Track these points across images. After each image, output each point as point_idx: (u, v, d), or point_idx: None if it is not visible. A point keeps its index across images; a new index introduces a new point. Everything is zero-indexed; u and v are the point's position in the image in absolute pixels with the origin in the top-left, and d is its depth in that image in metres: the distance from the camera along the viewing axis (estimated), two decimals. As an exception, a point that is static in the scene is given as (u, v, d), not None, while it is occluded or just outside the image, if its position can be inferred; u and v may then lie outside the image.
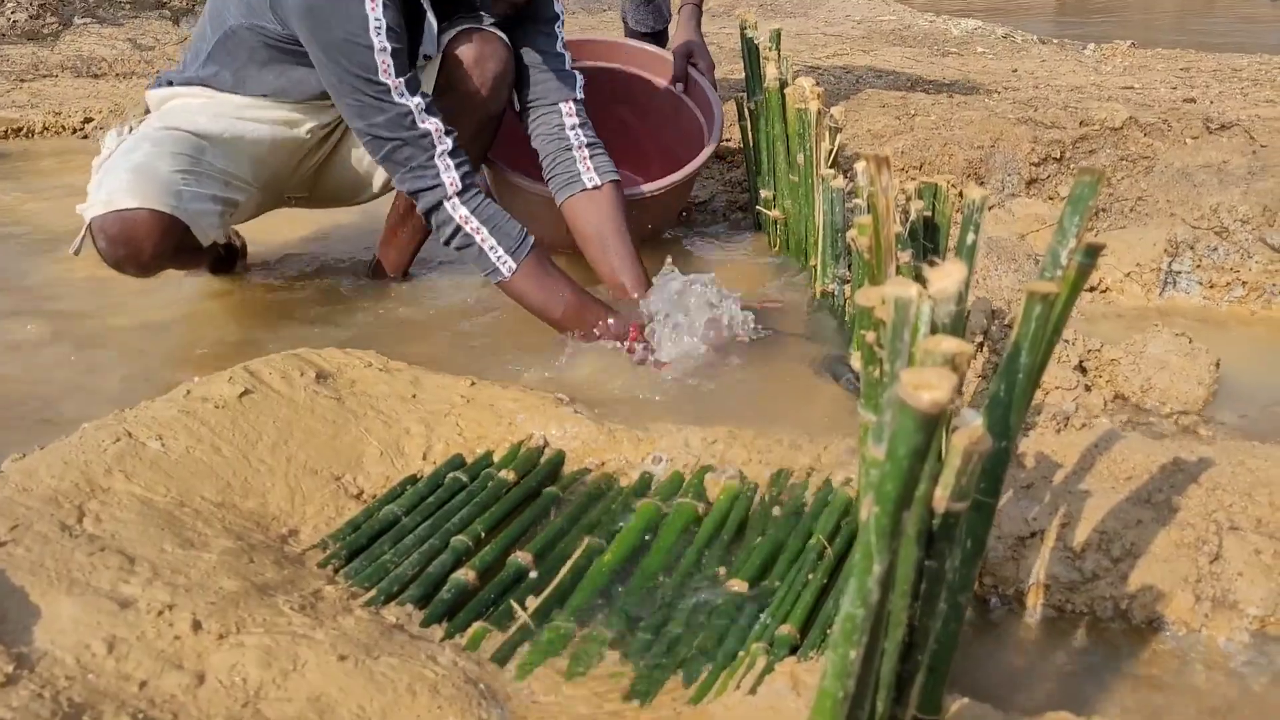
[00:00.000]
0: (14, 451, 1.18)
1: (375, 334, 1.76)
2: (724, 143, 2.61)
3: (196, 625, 0.92)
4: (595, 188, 1.80)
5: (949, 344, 0.49)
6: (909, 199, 1.21)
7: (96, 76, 4.10)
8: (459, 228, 1.65)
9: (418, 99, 1.61)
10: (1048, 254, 0.65)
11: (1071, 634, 1.05)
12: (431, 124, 1.62)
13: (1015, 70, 3.41)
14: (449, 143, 1.64)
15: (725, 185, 2.45)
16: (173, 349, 1.76)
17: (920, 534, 0.61)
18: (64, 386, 1.60)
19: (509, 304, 1.87)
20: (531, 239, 1.67)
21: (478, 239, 1.65)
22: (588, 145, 1.81)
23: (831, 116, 1.60)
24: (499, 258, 1.65)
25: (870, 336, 0.78)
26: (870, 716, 0.62)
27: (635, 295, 1.73)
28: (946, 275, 0.55)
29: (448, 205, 1.64)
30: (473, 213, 1.65)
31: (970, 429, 0.61)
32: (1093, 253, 0.70)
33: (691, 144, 2.12)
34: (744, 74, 2.18)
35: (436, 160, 1.62)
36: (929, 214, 1.20)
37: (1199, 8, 7.97)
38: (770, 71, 1.82)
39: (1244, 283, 1.82)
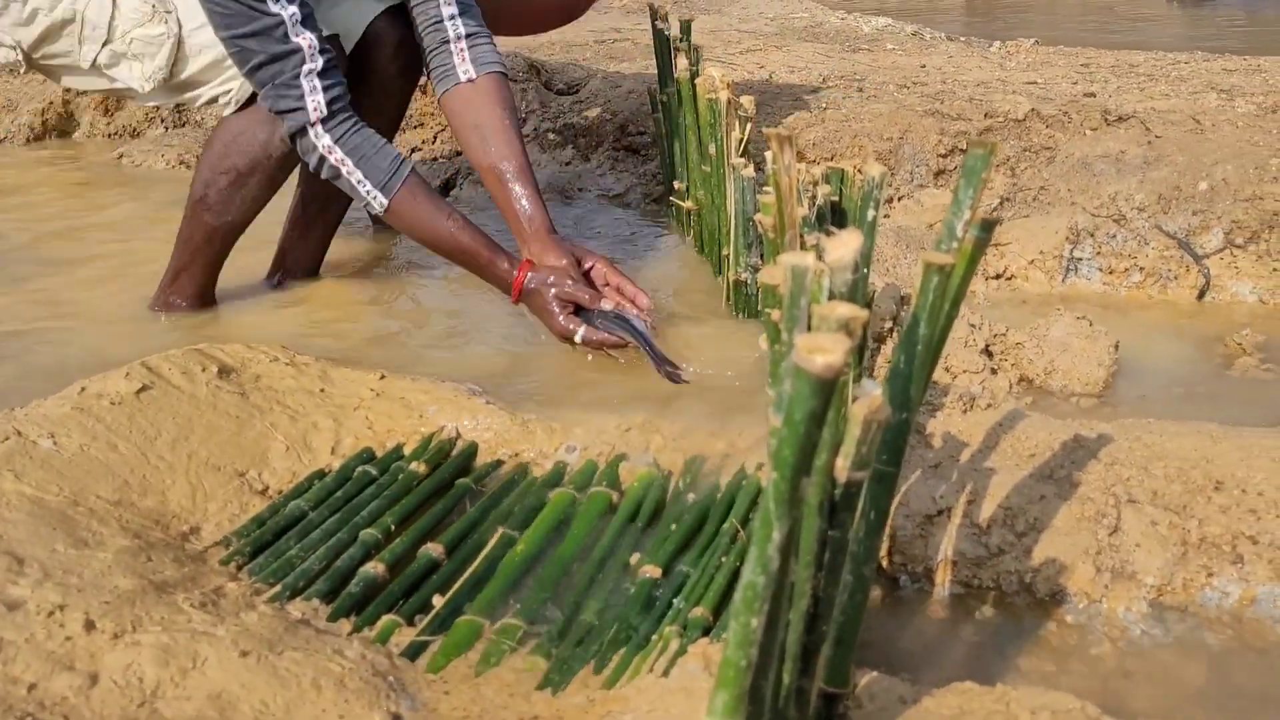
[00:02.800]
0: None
1: (281, 329, 1.72)
2: (638, 135, 2.62)
3: (89, 625, 0.89)
4: (470, 80, 1.69)
5: (843, 309, 0.50)
6: (816, 184, 1.22)
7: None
8: (323, 158, 1.55)
9: (294, 9, 1.50)
10: (944, 226, 0.66)
11: (978, 608, 1.07)
12: (305, 39, 1.52)
13: (924, 66, 3.47)
14: (320, 61, 1.53)
15: (639, 178, 2.45)
16: (61, 352, 1.69)
17: (822, 504, 0.61)
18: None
19: (421, 295, 1.85)
20: (406, 169, 1.57)
21: (344, 170, 1.56)
22: (466, 36, 1.69)
23: (741, 106, 1.61)
24: (368, 191, 1.56)
25: (775, 314, 0.78)
26: (776, 688, 0.62)
27: (526, 210, 1.65)
28: (843, 244, 0.55)
29: (311, 132, 1.55)
30: (336, 142, 1.55)
31: (869, 398, 0.61)
32: (988, 227, 0.71)
33: None
34: (656, 66, 2.18)
35: (303, 80, 1.52)
36: (836, 198, 1.21)
37: (1100, 7, 8.21)
38: (681, 63, 1.82)
39: (1141, 269, 1.88)
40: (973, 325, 1.62)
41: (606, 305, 1.55)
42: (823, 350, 0.47)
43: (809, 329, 0.57)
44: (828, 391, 0.49)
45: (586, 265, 1.62)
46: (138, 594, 0.94)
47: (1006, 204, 2.08)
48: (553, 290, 1.56)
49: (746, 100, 1.61)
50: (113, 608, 0.91)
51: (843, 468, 0.60)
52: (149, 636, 0.88)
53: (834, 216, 1.26)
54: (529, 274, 1.58)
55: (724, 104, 1.61)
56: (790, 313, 0.54)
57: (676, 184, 2.02)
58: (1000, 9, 8.58)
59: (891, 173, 2.22)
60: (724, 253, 1.72)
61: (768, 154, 1.49)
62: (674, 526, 1.16)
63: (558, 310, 1.55)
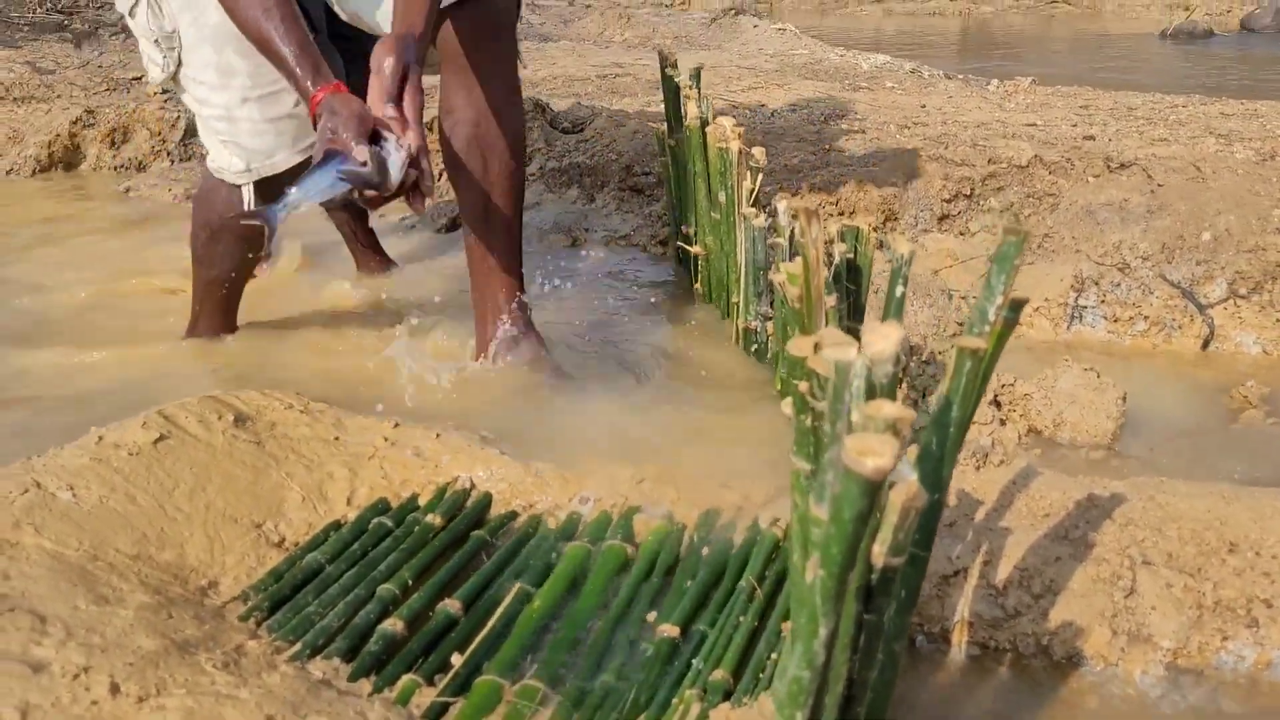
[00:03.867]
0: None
1: (292, 372, 1.73)
2: (643, 176, 2.64)
3: (115, 688, 0.89)
4: None
5: (889, 409, 0.51)
6: (831, 242, 1.23)
7: (-7, 100, 3.96)
8: None
9: None
10: (975, 310, 0.67)
11: (995, 670, 1.07)
12: None
13: (924, 106, 3.50)
14: None
15: (645, 219, 2.47)
16: (78, 393, 1.69)
17: (859, 590, 0.62)
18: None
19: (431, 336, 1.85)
20: None
21: None
22: None
23: (753, 156, 1.62)
24: None
25: (803, 386, 0.79)
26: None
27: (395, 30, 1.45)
28: (884, 337, 0.56)
29: None
30: None
31: (906, 484, 0.62)
32: (1018, 307, 0.72)
33: None
34: (664, 110, 2.20)
35: None
36: (851, 256, 1.23)
37: (1093, 42, 8.31)
38: (691, 110, 1.84)
39: (1146, 317, 1.89)
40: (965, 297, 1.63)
41: (360, 152, 1.34)
42: (873, 453, 0.48)
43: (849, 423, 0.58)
44: (875, 492, 0.50)
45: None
46: (160, 654, 0.94)
47: (1011, 250, 2.10)
48: (325, 129, 1.37)
49: (758, 151, 1.63)
50: (137, 669, 0.91)
51: (880, 554, 0.61)
52: (174, 700, 0.88)
53: (849, 274, 1.28)
54: (321, 102, 1.40)
55: (735, 154, 1.62)
56: (834, 407, 0.55)
57: (685, 228, 2.03)
58: (994, 44, 8.69)
59: (895, 217, 2.24)
60: (733, 299, 1.73)
61: (779, 204, 1.51)
62: (689, 583, 1.16)
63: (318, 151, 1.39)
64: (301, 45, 1.44)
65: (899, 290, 0.76)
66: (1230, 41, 7.66)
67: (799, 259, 0.78)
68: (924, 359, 1.60)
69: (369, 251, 2.20)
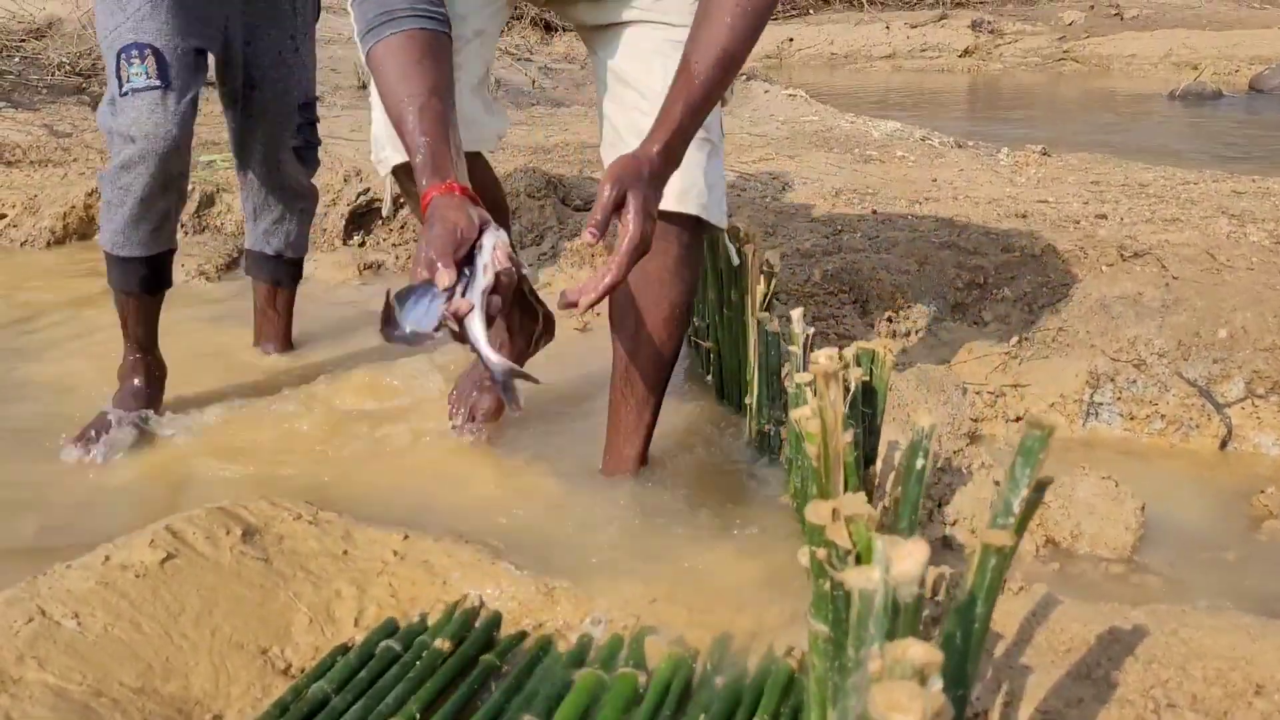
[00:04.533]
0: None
1: (300, 465, 1.71)
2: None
3: None
4: None
5: (917, 651, 0.49)
6: (846, 365, 1.22)
7: (10, 164, 3.98)
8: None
9: None
10: (999, 502, 0.65)
11: (1018, 819, 1.04)
12: None
13: (935, 180, 3.51)
14: None
15: (657, 303, 2.46)
16: (92, 492, 1.68)
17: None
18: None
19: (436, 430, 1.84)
20: (393, 26, 1.33)
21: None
22: None
23: (767, 262, 1.62)
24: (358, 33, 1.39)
25: (821, 554, 0.78)
26: None
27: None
28: (908, 556, 0.55)
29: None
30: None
31: (931, 696, 0.60)
32: (1041, 487, 0.71)
33: None
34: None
35: None
36: (867, 379, 1.22)
37: (1100, 103, 8.35)
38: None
39: (1163, 415, 1.87)
40: (996, 483, 1.61)
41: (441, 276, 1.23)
42: (900, 709, 0.47)
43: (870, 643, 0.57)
44: (902, 741, 0.48)
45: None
46: (162, 808, 0.92)
47: (1025, 343, 2.09)
48: (422, 244, 1.26)
49: (772, 255, 1.62)
50: (137, 828, 0.89)
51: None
52: None
53: (865, 398, 1.27)
54: (430, 204, 1.28)
55: (750, 260, 1.62)
56: (858, 634, 0.53)
57: (696, 321, 2.02)
58: (1002, 101, 8.74)
59: (908, 305, 2.23)
60: (746, 400, 1.72)
61: (794, 314, 1.50)
62: (703, 717, 1.14)
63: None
64: (430, 136, 1.30)
65: (919, 463, 0.75)
66: (1239, 103, 7.69)
67: (816, 420, 0.77)
68: (939, 466, 1.59)
69: (274, 327, 2.21)
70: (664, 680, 1.20)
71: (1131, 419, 1.89)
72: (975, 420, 1.89)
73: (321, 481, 1.67)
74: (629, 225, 1.25)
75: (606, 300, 1.37)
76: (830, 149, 4.30)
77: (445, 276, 1.21)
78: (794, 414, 0.92)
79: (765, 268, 1.62)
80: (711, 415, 1.88)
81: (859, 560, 0.78)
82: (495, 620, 1.32)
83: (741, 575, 1.38)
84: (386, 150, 1.55)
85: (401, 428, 1.84)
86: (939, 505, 1.54)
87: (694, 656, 1.25)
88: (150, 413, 1.85)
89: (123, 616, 1.18)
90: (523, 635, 1.31)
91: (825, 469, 0.84)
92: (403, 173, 1.54)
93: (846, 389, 1.18)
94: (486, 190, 1.56)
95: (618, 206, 1.25)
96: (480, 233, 1.25)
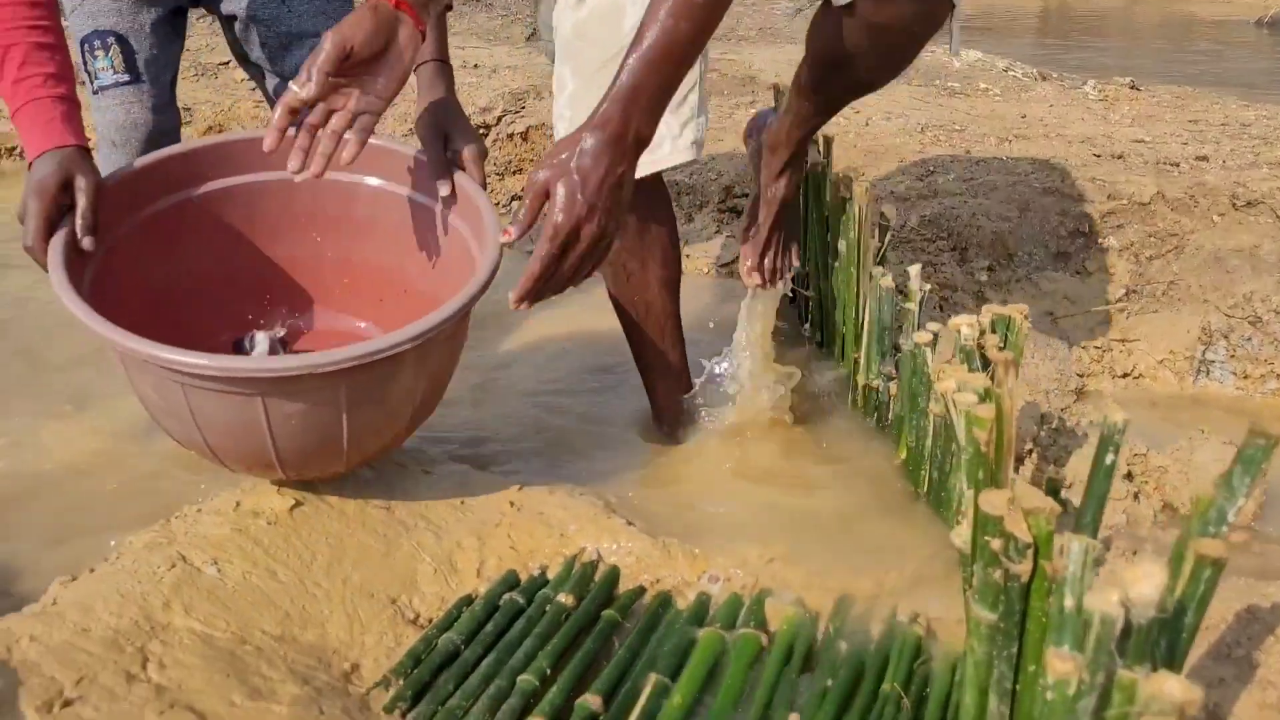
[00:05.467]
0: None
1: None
2: (744, 198, 2.59)
3: (280, 804, 0.89)
4: None
5: (1174, 688, 0.48)
6: (983, 333, 1.19)
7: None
8: None
9: None
10: (1211, 510, 0.64)
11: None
12: None
13: (1024, 116, 3.41)
14: None
15: (748, 245, 2.43)
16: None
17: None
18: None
19: (543, 387, 1.83)
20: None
21: None
22: None
23: (882, 214, 1.58)
24: None
25: (996, 544, 0.76)
26: None
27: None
28: (1146, 578, 0.53)
29: None
30: None
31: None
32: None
33: (455, 280, 1.33)
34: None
35: None
36: (1002, 348, 1.19)
37: (1180, 28, 8.03)
38: (812, 155, 1.80)
39: (1278, 375, 1.83)
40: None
41: None
42: (1164, 748, 0.46)
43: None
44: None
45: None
46: (319, 761, 0.95)
47: (1133, 296, 2.03)
48: None
49: (888, 209, 1.58)
50: (299, 781, 0.92)
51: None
52: (339, 820, 0.88)
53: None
54: None
55: (862, 211, 1.58)
56: (1096, 659, 0.52)
57: (796, 266, 1.99)
58: (1076, 29, 8.43)
59: (1011, 255, 2.18)
60: (853, 355, 1.69)
61: (911, 270, 1.46)
62: (830, 682, 1.14)
63: None
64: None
65: (1108, 458, 0.73)
66: (1330, 29, 7.35)
67: (990, 406, 0.75)
68: (1054, 427, 1.56)
69: None
70: (787, 642, 1.21)
71: (1245, 378, 1.85)
72: (1081, 376, 1.85)
73: (431, 435, 1.68)
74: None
75: None
76: (910, 80, 4.18)
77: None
78: (958, 399, 0.90)
79: (880, 220, 1.58)
80: (814, 367, 1.85)
81: (1037, 555, 0.76)
82: (614, 575, 1.33)
83: (858, 538, 1.38)
84: None
85: (504, 380, 1.84)
86: (1053, 465, 1.52)
87: (815, 619, 1.25)
88: None
89: (259, 564, 1.20)
90: (641, 591, 1.32)
91: (998, 457, 0.82)
92: None
93: (985, 359, 1.16)
94: None
95: (545, 196, 1.17)
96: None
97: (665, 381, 1.62)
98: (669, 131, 1.46)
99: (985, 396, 0.87)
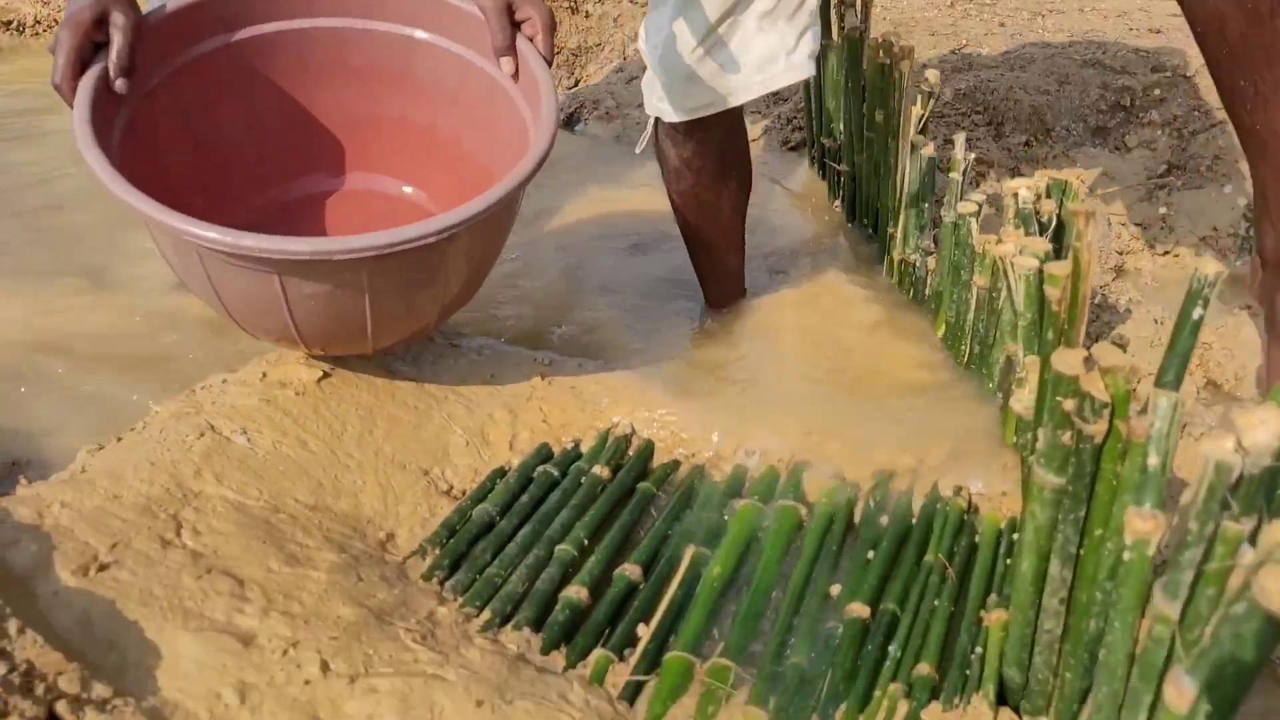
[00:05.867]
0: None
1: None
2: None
3: (325, 666, 0.88)
4: None
5: (1299, 536, 0.45)
6: (1039, 197, 1.14)
7: None
8: None
9: None
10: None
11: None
12: None
13: (1058, -11, 3.27)
14: None
15: (775, 120, 2.35)
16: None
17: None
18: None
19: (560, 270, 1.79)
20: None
21: None
22: None
23: (926, 79, 1.51)
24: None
25: (1069, 405, 0.73)
26: None
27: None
28: (1261, 423, 0.50)
29: None
30: None
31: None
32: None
33: (507, 152, 1.29)
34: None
35: None
36: (1057, 213, 1.14)
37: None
38: (848, 18, 1.71)
39: (1324, 254, 1.77)
40: (1156, 321, 1.55)
41: None
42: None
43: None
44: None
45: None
46: (361, 626, 0.94)
47: (1175, 172, 1.97)
48: None
49: (932, 74, 1.51)
50: (342, 644, 0.91)
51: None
52: (385, 683, 0.87)
53: (1056, 232, 1.19)
54: None
55: (905, 76, 1.51)
56: (1207, 507, 0.49)
57: (827, 141, 1.92)
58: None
59: (1048, 129, 2.10)
60: (889, 229, 1.64)
61: (958, 138, 1.40)
62: (871, 554, 1.13)
63: None
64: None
65: (1196, 313, 0.69)
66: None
67: (1069, 260, 0.71)
68: (1095, 303, 1.52)
69: None
70: (826, 515, 1.19)
71: (1289, 257, 1.79)
72: (1120, 254, 1.80)
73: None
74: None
75: None
76: (938, -46, 4.01)
77: None
78: (1017, 263, 0.85)
79: (925, 86, 1.51)
80: (847, 243, 1.80)
81: (1113, 415, 0.73)
82: (649, 449, 1.31)
83: (896, 413, 1.35)
84: (665, 104, 1.36)
85: (538, 257, 1.80)
86: (1094, 341, 1.48)
87: (855, 492, 1.23)
88: None
89: (288, 434, 1.18)
90: (676, 465, 1.30)
91: (1070, 316, 0.78)
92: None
93: (1042, 224, 1.11)
94: None
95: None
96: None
97: (721, 285, 1.58)
98: (783, 45, 1.30)
99: (1046, 259, 0.83)
